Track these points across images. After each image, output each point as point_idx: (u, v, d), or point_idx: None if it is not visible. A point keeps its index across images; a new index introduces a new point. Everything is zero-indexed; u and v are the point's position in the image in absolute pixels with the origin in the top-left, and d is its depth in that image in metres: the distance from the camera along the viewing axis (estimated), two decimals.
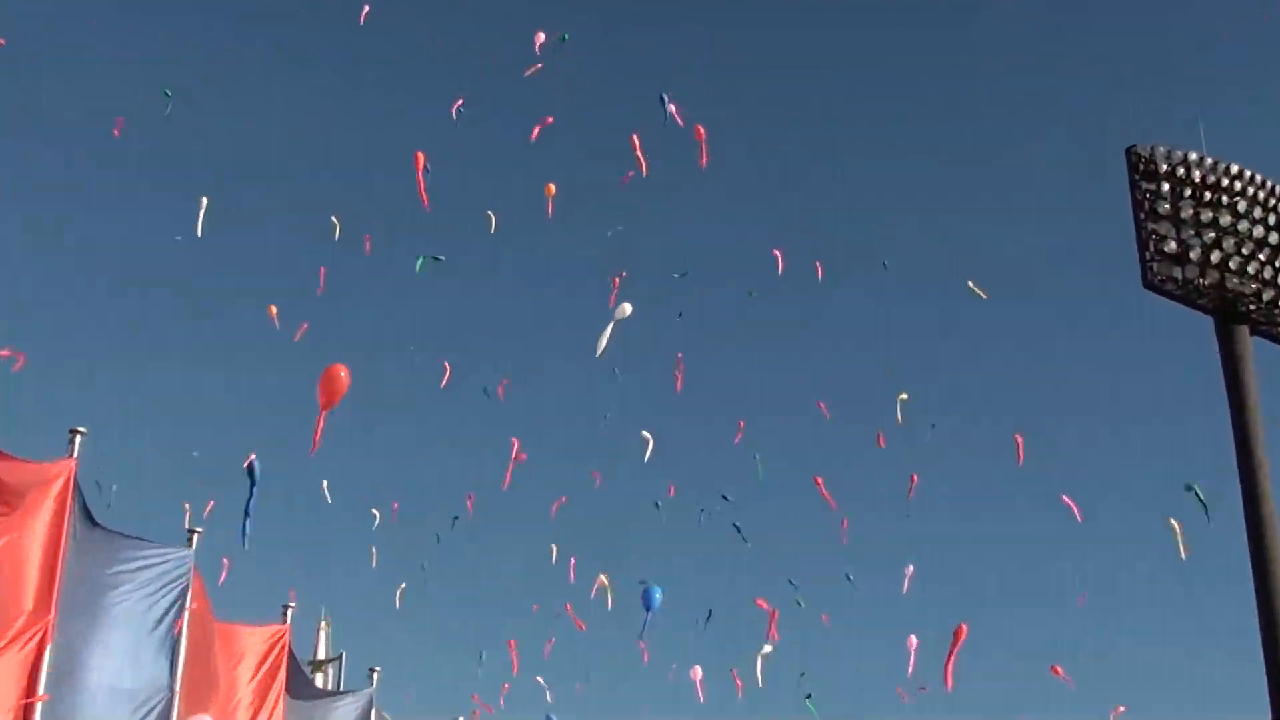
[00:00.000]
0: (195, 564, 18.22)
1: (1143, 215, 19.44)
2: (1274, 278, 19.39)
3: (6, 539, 15.27)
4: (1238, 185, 19.57)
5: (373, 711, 24.20)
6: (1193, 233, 19.39)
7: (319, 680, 24.92)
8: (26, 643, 15.20)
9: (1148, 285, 19.37)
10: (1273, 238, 19.52)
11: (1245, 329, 19.42)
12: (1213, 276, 19.23)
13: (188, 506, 19.51)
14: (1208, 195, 19.50)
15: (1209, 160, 19.68)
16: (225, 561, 20.21)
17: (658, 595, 18.54)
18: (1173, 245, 19.30)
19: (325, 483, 23.26)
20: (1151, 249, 19.34)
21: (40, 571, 15.50)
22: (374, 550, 24.32)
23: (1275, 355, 20.10)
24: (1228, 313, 19.38)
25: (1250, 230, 19.46)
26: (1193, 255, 19.28)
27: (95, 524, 16.54)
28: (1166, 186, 19.48)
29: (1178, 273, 19.28)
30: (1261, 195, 19.66)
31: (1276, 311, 19.48)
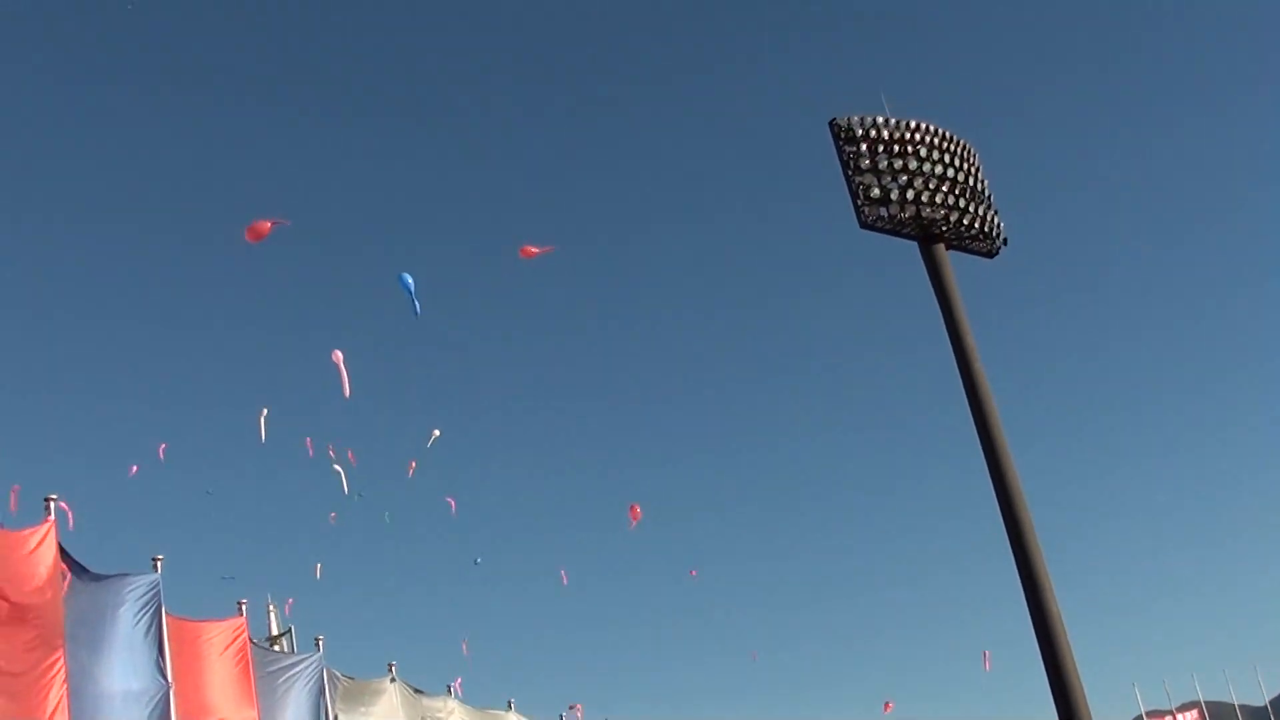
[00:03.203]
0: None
1: (850, 171, 24.70)
2: (955, 203, 24.84)
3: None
4: (917, 136, 24.93)
5: (324, 671, 29.01)
6: (890, 179, 24.72)
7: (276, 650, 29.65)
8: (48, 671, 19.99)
9: (863, 226, 24.67)
10: (950, 172, 24.93)
11: (941, 246, 24.90)
12: (911, 210, 24.61)
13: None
14: (897, 148, 24.82)
15: (893, 120, 24.97)
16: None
17: (407, 280, 21.85)
18: (876, 191, 24.61)
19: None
20: (861, 196, 24.64)
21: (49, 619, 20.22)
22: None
23: (965, 262, 25.63)
24: (927, 236, 24.81)
25: (933, 169, 24.84)
26: (893, 196, 24.61)
27: (82, 570, 21.22)
28: (864, 146, 24.74)
29: (884, 211, 24.63)
30: (936, 140, 25.05)
31: (962, 229, 24.97)
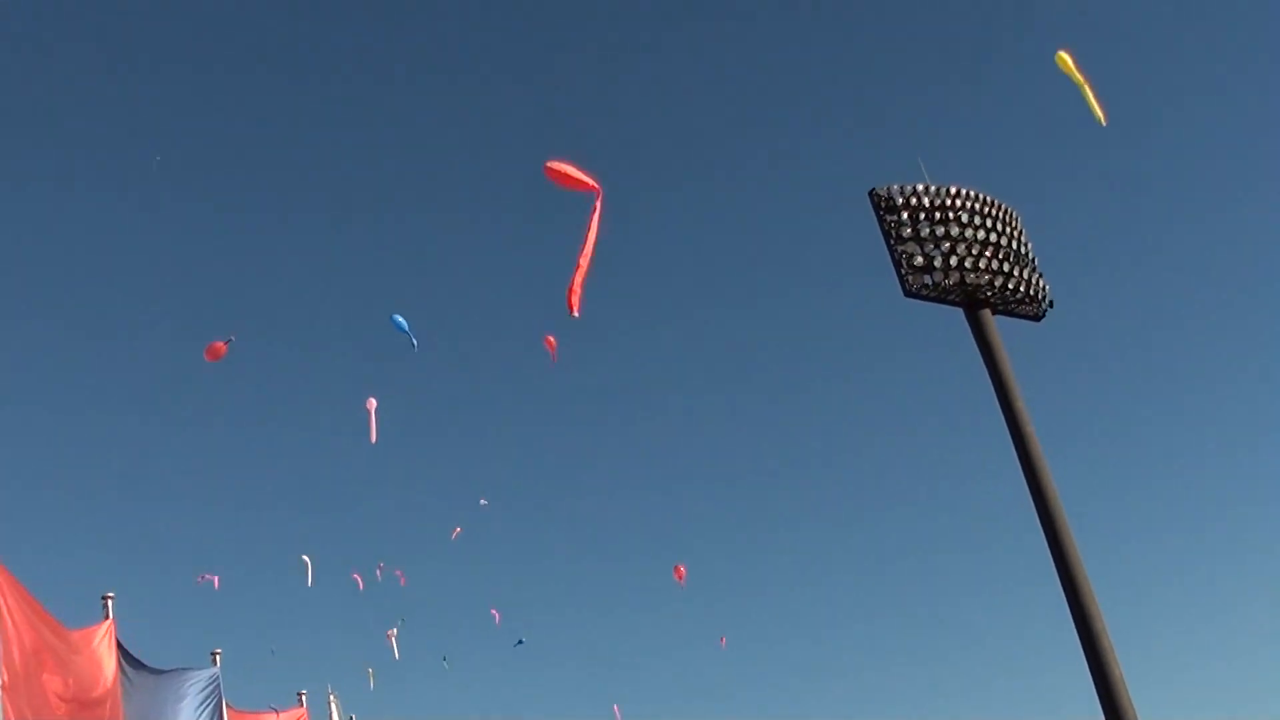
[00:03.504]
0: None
1: (892, 240, 24.70)
2: (999, 268, 24.76)
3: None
4: (958, 202, 24.93)
5: None
6: (932, 246, 24.69)
7: None
8: None
9: (908, 294, 24.60)
10: (992, 237, 24.88)
11: (987, 311, 24.77)
12: (955, 276, 24.54)
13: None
14: (937, 215, 24.83)
15: (933, 187, 25.01)
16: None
17: (400, 320, 22.06)
18: (920, 259, 24.59)
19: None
20: (905, 265, 24.61)
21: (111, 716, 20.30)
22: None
23: (1010, 327, 25.45)
24: (972, 302, 24.70)
25: (975, 235, 24.80)
26: (936, 263, 24.57)
27: (141, 666, 21.34)
28: (905, 214, 24.76)
29: (928, 279, 24.58)
30: (977, 205, 25.03)
31: (1007, 293, 24.87)
